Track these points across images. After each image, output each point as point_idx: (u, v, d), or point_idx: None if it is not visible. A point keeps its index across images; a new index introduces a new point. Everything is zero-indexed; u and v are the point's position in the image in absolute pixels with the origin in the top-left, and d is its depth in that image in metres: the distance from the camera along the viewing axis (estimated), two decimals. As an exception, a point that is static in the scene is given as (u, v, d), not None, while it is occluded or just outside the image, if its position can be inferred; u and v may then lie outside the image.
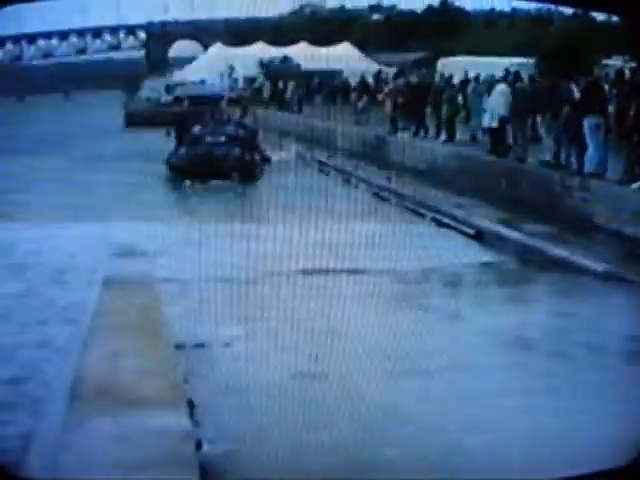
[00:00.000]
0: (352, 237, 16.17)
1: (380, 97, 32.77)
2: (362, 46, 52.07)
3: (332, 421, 8.70)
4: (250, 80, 48.06)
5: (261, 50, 52.37)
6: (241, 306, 12.29)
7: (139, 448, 7.25)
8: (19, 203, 24.04)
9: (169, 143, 29.86)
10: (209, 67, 49.99)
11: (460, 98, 26.75)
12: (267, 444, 8.11)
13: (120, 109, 45.96)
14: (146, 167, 28.07)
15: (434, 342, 11.43)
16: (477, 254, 17.12)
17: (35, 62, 63.81)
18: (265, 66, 49.66)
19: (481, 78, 26.55)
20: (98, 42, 66.65)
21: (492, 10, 56.60)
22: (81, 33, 65.96)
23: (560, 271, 15.30)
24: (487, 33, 48.34)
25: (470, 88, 26.51)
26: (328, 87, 41.96)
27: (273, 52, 51.72)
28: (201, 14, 61.38)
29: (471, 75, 27.57)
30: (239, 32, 56.26)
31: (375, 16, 61.99)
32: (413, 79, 29.98)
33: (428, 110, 27.21)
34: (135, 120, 42.67)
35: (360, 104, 33.20)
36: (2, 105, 47.82)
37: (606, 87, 21.76)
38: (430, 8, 56.86)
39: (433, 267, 15.74)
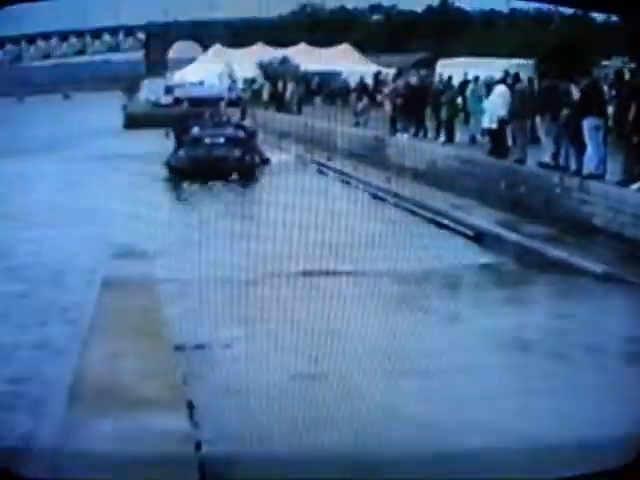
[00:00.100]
0: (352, 238, 16.18)
1: (379, 98, 32.77)
2: (362, 47, 52.07)
3: (332, 421, 8.72)
4: (249, 81, 48.03)
5: (260, 51, 52.38)
6: (241, 307, 12.30)
7: (138, 449, 7.26)
8: (19, 203, 24.06)
9: (168, 144, 29.87)
10: (208, 68, 49.95)
11: (459, 99, 26.74)
12: (267, 445, 8.13)
13: (119, 110, 45.96)
14: (146, 168, 28.08)
15: (433, 343, 11.45)
16: (476, 255, 17.13)
17: (34, 63, 63.81)
18: (264, 67, 49.65)
19: (480, 79, 26.53)
20: (98, 43, 66.67)
21: (492, 11, 56.68)
22: (81, 34, 65.98)
23: (559, 272, 15.32)
24: (487, 34, 48.38)
25: (469, 89, 26.50)
26: (328, 88, 41.97)
27: (272, 53, 51.72)
28: (200, 15, 61.41)
29: (470, 76, 27.55)
30: (238, 33, 56.33)
31: (375, 17, 62.03)
32: (412, 80, 29.97)
33: (427, 111, 27.21)
34: (134, 121, 42.65)
35: (360, 105, 33.19)
36: (1, 106, 47.82)
37: (605, 88, 21.79)
38: (430, 9, 56.96)
39: (432, 268, 15.75)
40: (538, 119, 21.38)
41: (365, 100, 33.49)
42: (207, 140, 29.01)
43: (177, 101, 45.46)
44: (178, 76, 52.09)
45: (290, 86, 42.30)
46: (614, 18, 31.57)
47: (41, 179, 27.89)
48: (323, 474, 7.65)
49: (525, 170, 20.53)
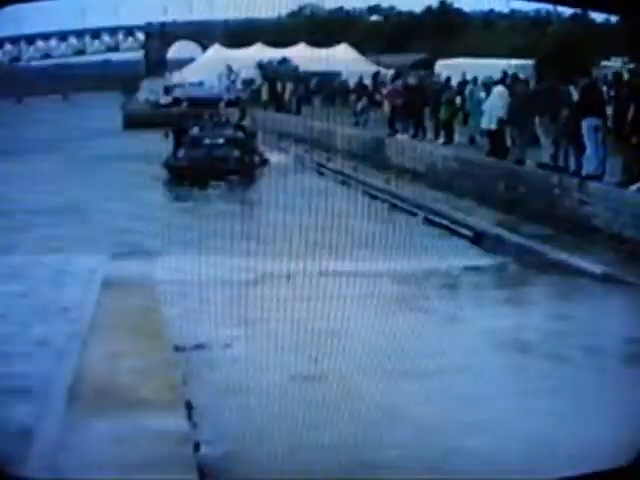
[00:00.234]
0: (351, 238, 16.18)
1: (378, 98, 32.76)
2: (361, 48, 52.03)
3: (332, 422, 8.71)
4: (249, 82, 48.00)
5: (260, 51, 52.32)
6: (241, 307, 12.30)
7: (138, 449, 7.27)
8: (18, 201, 24.06)
9: (167, 144, 29.85)
10: (208, 68, 49.91)
11: (458, 100, 26.74)
12: (266, 445, 8.12)
13: (118, 110, 45.94)
14: (145, 168, 28.07)
15: (433, 343, 11.45)
16: (475, 256, 17.14)
17: (33, 63, 63.74)
18: (264, 67, 49.61)
19: (479, 80, 26.52)
20: (97, 43, 66.59)
21: (491, 12, 56.65)
22: (80, 34, 65.89)
23: (558, 273, 15.32)
24: (485, 35, 48.34)
25: (468, 90, 26.49)
26: (327, 89, 41.92)
27: (272, 53, 51.65)
28: (200, 15, 61.35)
29: (469, 77, 27.54)
30: (238, 33, 56.25)
31: (374, 17, 62.00)
32: (411, 81, 29.94)
33: (427, 112, 27.20)
34: (133, 121, 42.62)
35: (359, 106, 33.17)
36: (1, 106, 47.80)
37: (604, 89, 21.79)
38: (429, 10, 56.88)
39: (432, 268, 15.76)
40: (537, 120, 21.37)
41: (364, 100, 33.47)
42: (206, 140, 28.99)
43: (176, 101, 45.42)
44: (177, 76, 52.03)
45: (289, 86, 42.28)
46: (614, 18, 31.63)
47: (41, 180, 27.89)
48: (323, 474, 7.65)
49: (524, 171, 20.53)
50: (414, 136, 27.24)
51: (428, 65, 40.89)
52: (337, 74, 45.24)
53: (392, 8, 61.71)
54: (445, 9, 56.63)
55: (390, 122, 28.82)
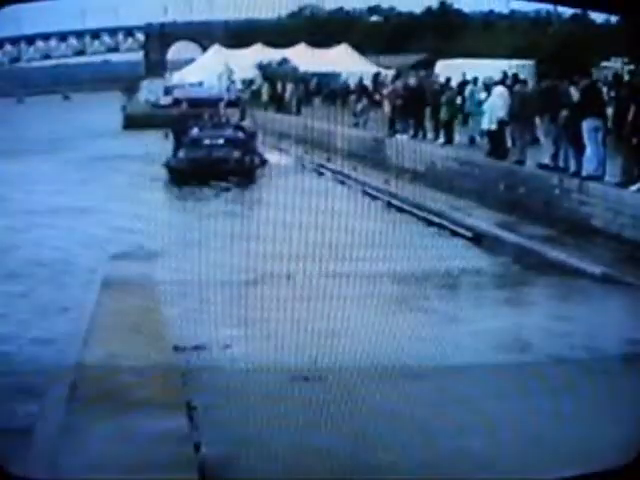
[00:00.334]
0: (351, 238, 16.18)
1: (378, 98, 32.75)
2: (361, 48, 52.03)
3: (331, 422, 8.71)
4: (249, 82, 48.00)
5: (260, 52, 52.30)
6: (241, 307, 12.30)
7: (138, 449, 7.27)
8: (18, 201, 24.07)
9: (167, 145, 29.86)
10: (207, 69, 49.89)
11: (459, 100, 26.74)
12: (266, 446, 8.12)
13: (119, 111, 45.95)
14: (145, 169, 28.06)
15: (433, 343, 11.45)
16: (475, 256, 17.14)
17: (34, 63, 63.76)
18: (264, 68, 49.62)
19: (479, 80, 26.52)
20: (97, 43, 66.59)
21: (491, 12, 56.64)
22: (80, 34, 65.89)
23: (558, 274, 15.32)
24: (486, 35, 48.32)
25: (468, 90, 26.49)
26: (327, 89, 41.92)
27: (272, 54, 51.65)
28: (200, 16, 61.35)
29: (469, 77, 27.54)
30: (238, 34, 56.21)
31: (374, 18, 62.00)
32: (412, 81, 29.94)
33: (427, 112, 27.20)
34: (133, 122, 42.61)
35: (359, 106, 33.18)
36: (1, 106, 47.80)
37: (604, 89, 21.80)
38: (429, 10, 56.88)
39: (432, 269, 15.76)
40: (537, 120, 21.38)
41: (364, 101, 33.47)
42: (206, 141, 29.00)
43: (176, 102, 45.37)
44: (177, 77, 52.03)
45: (289, 87, 42.27)
46: (614, 18, 31.63)
47: (41, 180, 27.89)
48: (322, 475, 7.65)
49: (524, 171, 20.53)
50: (414, 136, 27.25)
51: (428, 66, 40.86)
52: (337, 75, 45.26)
53: (392, 9, 61.71)
54: (445, 10, 56.62)
55: (390, 122, 28.84)
